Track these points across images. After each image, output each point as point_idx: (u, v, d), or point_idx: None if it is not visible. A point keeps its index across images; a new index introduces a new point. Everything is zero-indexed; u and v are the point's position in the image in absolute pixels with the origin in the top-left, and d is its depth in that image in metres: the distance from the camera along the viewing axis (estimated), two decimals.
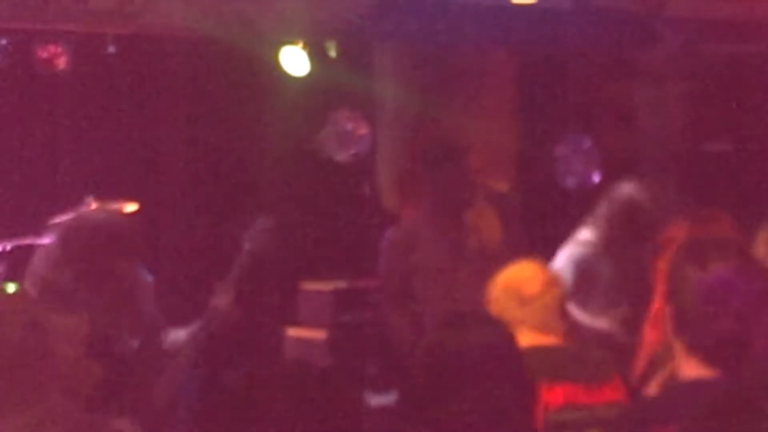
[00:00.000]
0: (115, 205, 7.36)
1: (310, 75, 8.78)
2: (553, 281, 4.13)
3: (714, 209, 4.51)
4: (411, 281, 6.13)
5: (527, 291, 4.03)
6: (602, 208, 6.36)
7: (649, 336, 4.05)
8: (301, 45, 8.63)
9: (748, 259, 3.13)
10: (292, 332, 7.72)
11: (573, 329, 4.18)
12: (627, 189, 6.32)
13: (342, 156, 8.06)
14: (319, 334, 7.56)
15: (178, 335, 5.20)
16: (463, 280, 5.93)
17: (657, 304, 3.96)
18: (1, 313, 2.65)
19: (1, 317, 2.64)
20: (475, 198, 6.28)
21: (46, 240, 7.58)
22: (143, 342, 4.83)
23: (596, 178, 8.99)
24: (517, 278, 4.08)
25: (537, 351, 3.90)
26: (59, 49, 8.17)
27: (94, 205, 7.43)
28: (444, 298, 6.01)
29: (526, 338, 3.89)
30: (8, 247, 7.47)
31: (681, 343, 3.08)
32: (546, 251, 7.00)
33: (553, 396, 3.86)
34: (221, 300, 4.85)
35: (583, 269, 6.28)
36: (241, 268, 5.01)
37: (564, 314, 4.09)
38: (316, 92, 8.88)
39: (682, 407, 2.89)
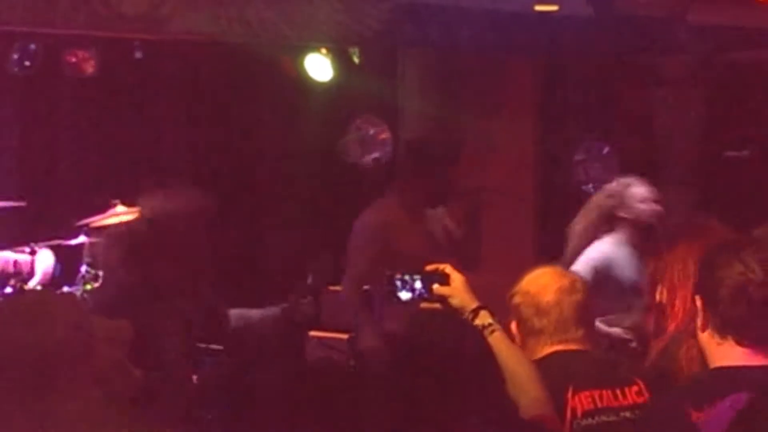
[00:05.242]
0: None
1: (333, 80, 8.88)
2: (570, 288, 4.01)
3: (707, 216, 4.49)
4: (379, 265, 6.23)
5: (543, 300, 3.96)
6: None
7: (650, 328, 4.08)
8: (324, 51, 8.73)
9: None
10: (316, 334, 7.80)
11: (591, 335, 4.13)
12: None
13: (364, 160, 8.14)
14: (341, 336, 7.65)
15: (248, 313, 5.63)
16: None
17: (659, 300, 4.00)
18: (47, 311, 2.74)
19: (47, 316, 2.73)
20: (450, 195, 6.89)
21: (72, 241, 7.70)
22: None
23: None
24: (536, 285, 4.01)
25: (560, 358, 3.93)
26: (87, 54, 8.28)
27: (120, 208, 7.53)
28: None
29: (545, 348, 3.95)
30: (36, 248, 7.56)
31: (720, 337, 3.10)
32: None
33: (580, 401, 3.87)
34: (302, 298, 5.73)
35: (601, 274, 6.34)
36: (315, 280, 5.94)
37: (582, 321, 4.01)
38: (339, 97, 8.97)
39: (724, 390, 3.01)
